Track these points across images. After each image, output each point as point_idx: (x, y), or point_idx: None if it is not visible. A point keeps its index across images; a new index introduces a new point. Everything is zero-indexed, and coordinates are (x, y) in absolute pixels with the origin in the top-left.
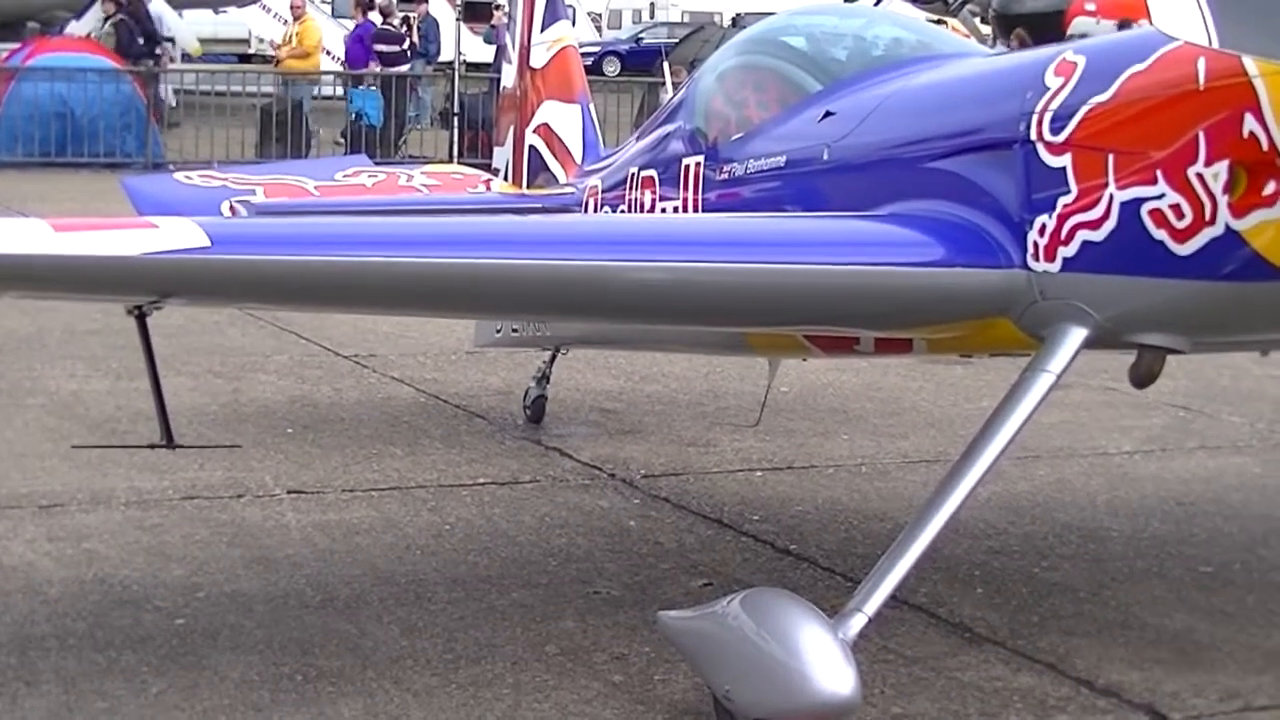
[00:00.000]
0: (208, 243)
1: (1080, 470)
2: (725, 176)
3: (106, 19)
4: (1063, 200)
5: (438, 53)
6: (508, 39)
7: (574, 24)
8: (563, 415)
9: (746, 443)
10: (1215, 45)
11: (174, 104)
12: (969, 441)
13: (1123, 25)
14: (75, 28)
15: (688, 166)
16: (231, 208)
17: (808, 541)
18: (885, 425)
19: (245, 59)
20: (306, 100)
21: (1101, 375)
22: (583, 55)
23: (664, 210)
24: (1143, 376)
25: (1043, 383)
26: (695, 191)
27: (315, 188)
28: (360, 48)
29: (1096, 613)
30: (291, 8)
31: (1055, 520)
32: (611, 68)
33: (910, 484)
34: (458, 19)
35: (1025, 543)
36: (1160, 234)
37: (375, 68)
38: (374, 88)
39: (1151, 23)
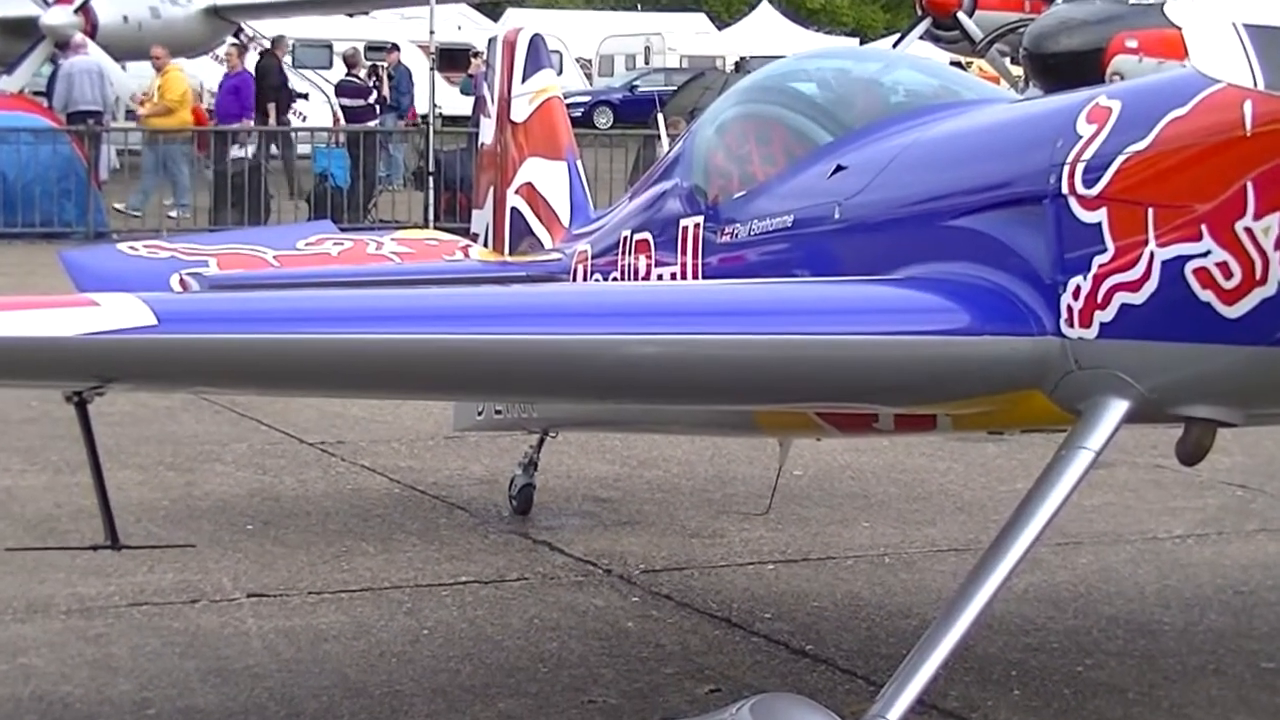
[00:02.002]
0: (155, 321)
1: (1127, 557)
2: (727, 239)
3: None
4: (1098, 260)
5: (410, 105)
6: (486, 90)
7: (560, 72)
8: (553, 505)
9: (756, 533)
10: (1261, 87)
11: (116, 166)
12: (1002, 527)
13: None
14: (7, 83)
15: (686, 228)
16: (182, 281)
17: (825, 641)
18: (910, 511)
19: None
20: (296, 156)
21: (1148, 452)
22: (570, 106)
23: (660, 277)
24: (1192, 452)
25: (1081, 461)
26: (695, 256)
27: (275, 258)
28: (235, 100)
29: (1147, 716)
30: (153, 59)
31: (1100, 613)
32: (603, 119)
33: (938, 575)
34: (432, 68)
35: (1067, 639)
36: (1207, 295)
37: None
38: (335, 146)
39: (1191, 63)
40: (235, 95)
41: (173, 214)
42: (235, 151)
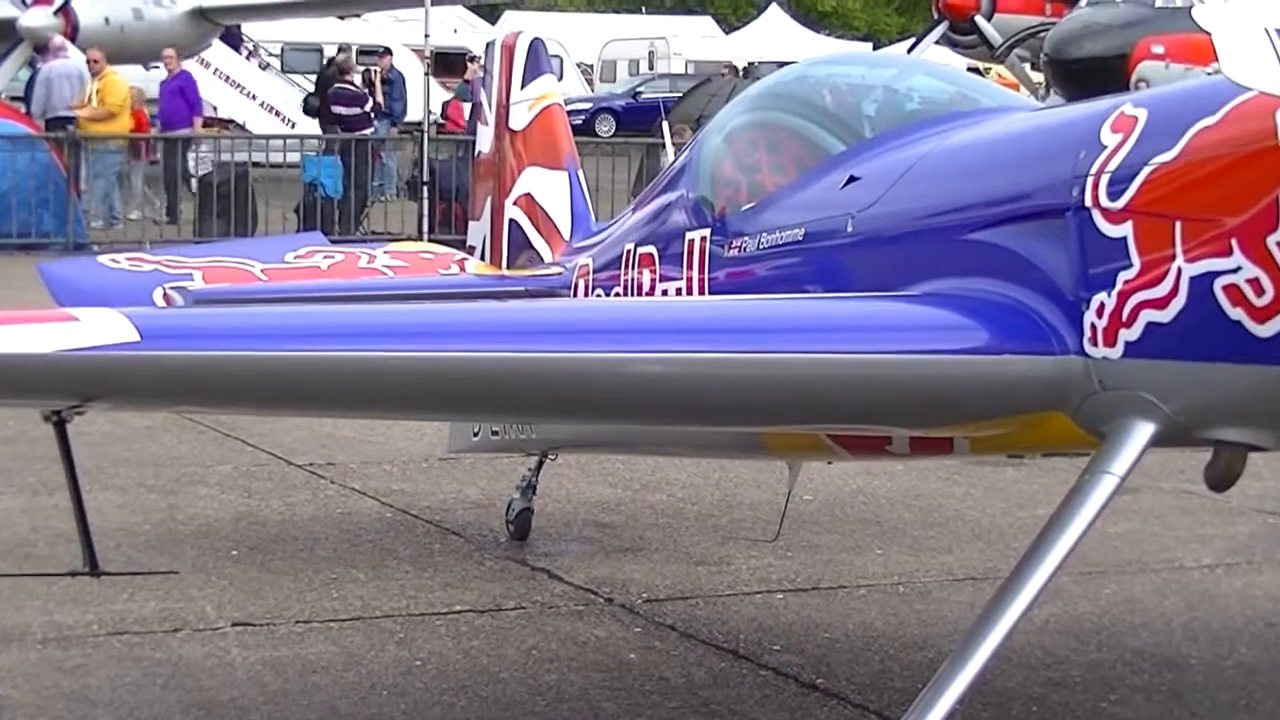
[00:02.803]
0: (137, 337)
1: (1153, 587)
2: (735, 253)
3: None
4: (1123, 276)
5: (404, 112)
6: (484, 96)
7: (560, 78)
8: (552, 531)
9: (765, 560)
10: None
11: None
12: (1022, 555)
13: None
14: None
15: (692, 241)
16: (165, 296)
17: (837, 674)
18: (925, 538)
19: None
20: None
21: (1176, 477)
22: (571, 113)
23: (665, 292)
24: (1221, 477)
25: (1105, 486)
26: (701, 270)
27: (262, 271)
28: (181, 103)
29: None
30: (89, 62)
31: (1124, 646)
32: (605, 127)
33: (955, 606)
34: (426, 73)
35: (1090, 673)
36: (1237, 313)
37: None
38: (323, 153)
39: (1221, 69)
40: (181, 97)
41: (126, 219)
42: (207, 157)
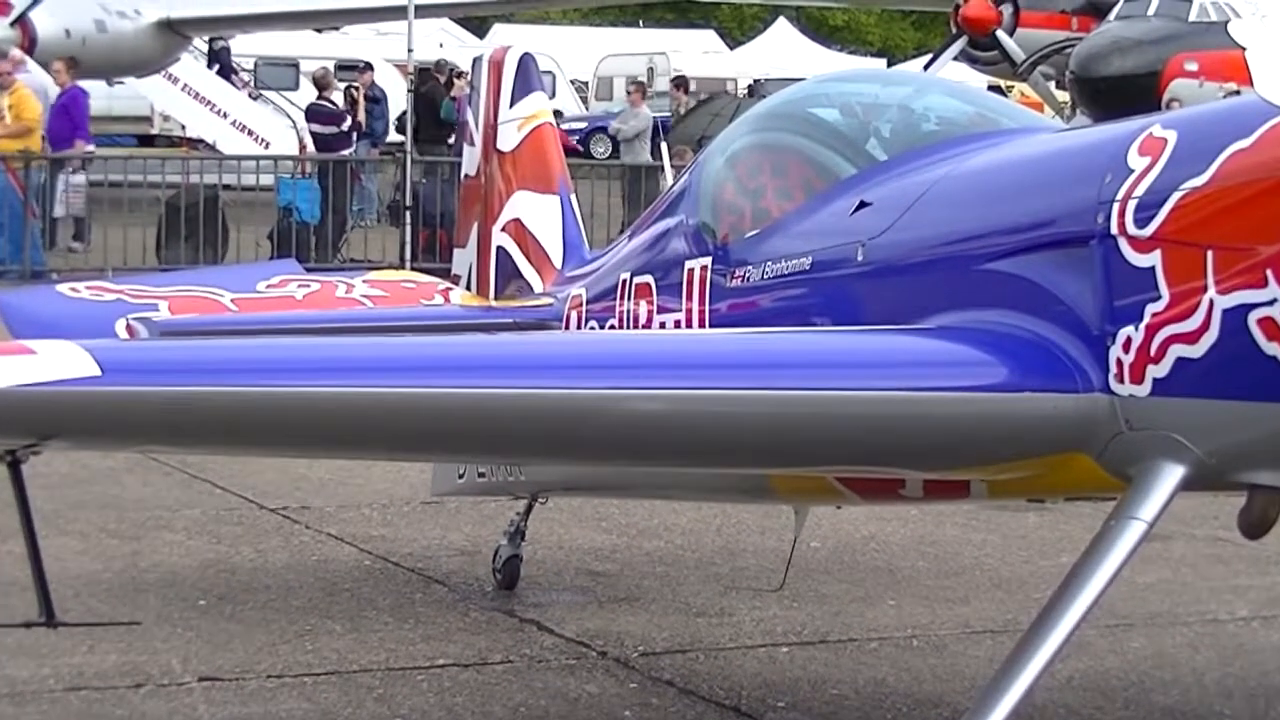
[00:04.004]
0: (98, 371)
1: (1184, 641)
2: (738, 282)
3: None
4: (1151, 308)
5: (386, 132)
6: (470, 115)
7: (553, 95)
8: (542, 580)
9: (769, 611)
10: None
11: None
12: (1044, 606)
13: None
14: None
15: (692, 271)
16: (129, 327)
17: None
18: (941, 588)
19: (146, 141)
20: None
21: (1208, 523)
22: (565, 133)
23: (664, 325)
24: (1257, 523)
25: (1133, 533)
26: (702, 301)
27: (233, 301)
28: (65, 122)
29: None
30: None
31: (1154, 704)
32: (601, 148)
33: (973, 660)
34: (409, 90)
35: None
36: (1273, 348)
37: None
38: (301, 176)
39: (1254, 88)
40: (65, 114)
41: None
42: (80, 194)
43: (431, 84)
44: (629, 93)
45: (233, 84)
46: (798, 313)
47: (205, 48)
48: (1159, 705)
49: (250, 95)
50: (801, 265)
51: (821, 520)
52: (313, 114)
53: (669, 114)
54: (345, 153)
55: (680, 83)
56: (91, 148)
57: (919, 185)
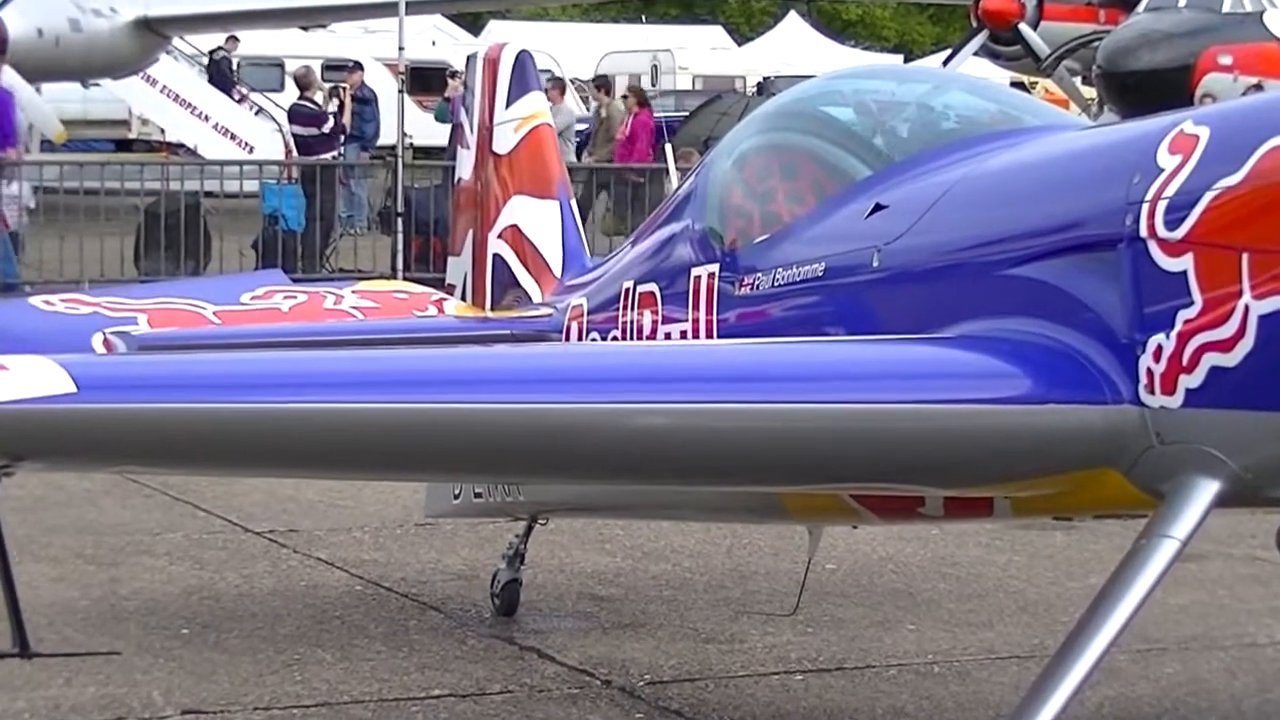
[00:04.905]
0: (73, 388)
1: (1220, 666)
2: (747, 291)
3: None
4: (1183, 315)
5: (376, 135)
6: (465, 116)
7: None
8: (542, 605)
9: (783, 637)
10: None
11: (33, 205)
12: (1071, 630)
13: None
14: None
15: (699, 279)
16: (106, 341)
17: None
18: (963, 611)
19: (124, 146)
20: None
21: (1246, 542)
22: (564, 136)
23: (669, 336)
24: None
25: (1165, 552)
26: (709, 311)
27: (215, 314)
28: None
29: None
30: None
31: None
32: None
33: (997, 688)
34: (401, 90)
35: None
36: None
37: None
38: (287, 182)
39: None
40: None
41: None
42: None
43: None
44: (546, 89)
45: (232, 97)
46: (810, 322)
47: (205, 60)
48: None
49: (253, 110)
50: (814, 272)
51: (837, 541)
52: (294, 115)
53: (675, 114)
54: (330, 155)
55: (601, 83)
56: (27, 154)
57: (938, 187)
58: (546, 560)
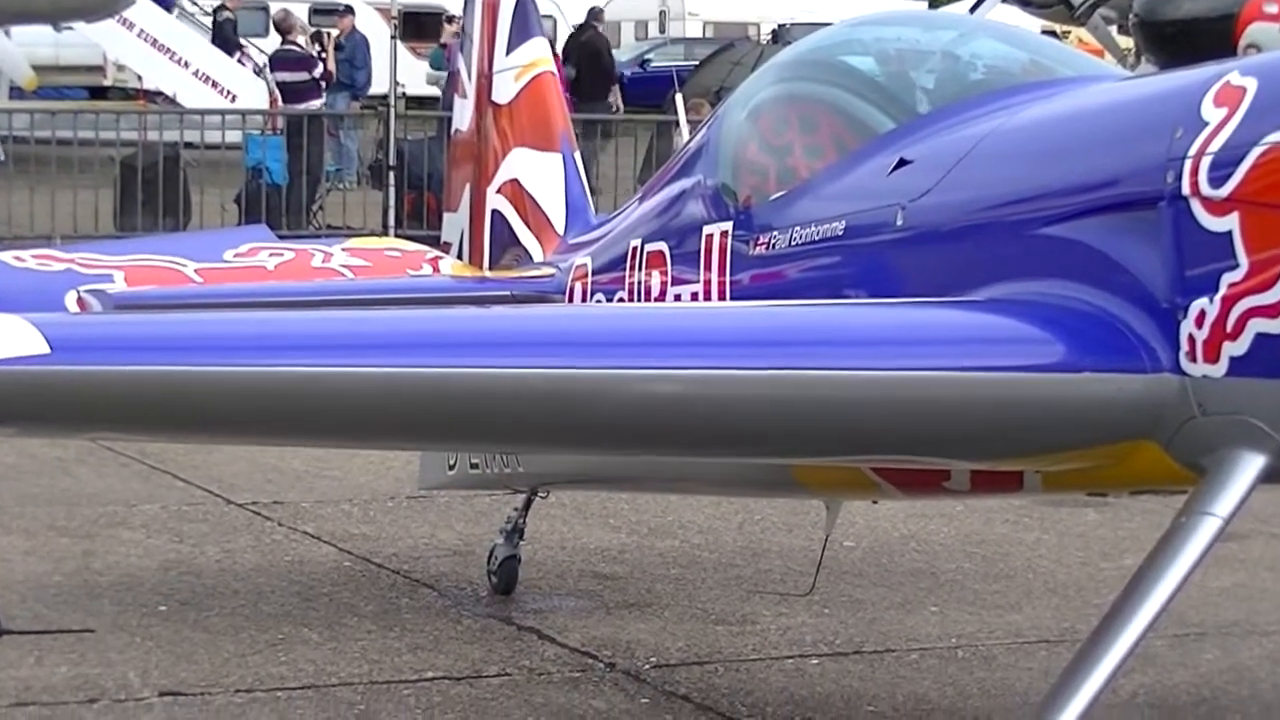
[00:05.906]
0: (46, 349)
1: (1262, 653)
2: (762, 250)
3: None
4: (1228, 278)
5: (367, 83)
6: (462, 64)
7: (554, 41)
8: (542, 583)
9: (797, 618)
10: None
11: (1, 158)
12: (1105, 614)
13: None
14: None
15: (711, 237)
16: (80, 300)
17: None
18: (989, 593)
19: (99, 94)
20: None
21: None
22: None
23: (679, 298)
24: None
25: (1206, 531)
26: (721, 271)
27: (196, 271)
28: None
29: None
30: None
31: None
32: None
33: (1025, 674)
34: (394, 36)
35: None
36: None
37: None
38: (271, 133)
39: None
40: None
41: None
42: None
43: (591, 33)
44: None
45: (239, 62)
46: (829, 284)
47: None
48: None
49: (254, 70)
50: (833, 231)
51: (856, 517)
52: (278, 61)
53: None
54: (317, 103)
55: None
56: None
57: (965, 141)
58: (547, 536)
